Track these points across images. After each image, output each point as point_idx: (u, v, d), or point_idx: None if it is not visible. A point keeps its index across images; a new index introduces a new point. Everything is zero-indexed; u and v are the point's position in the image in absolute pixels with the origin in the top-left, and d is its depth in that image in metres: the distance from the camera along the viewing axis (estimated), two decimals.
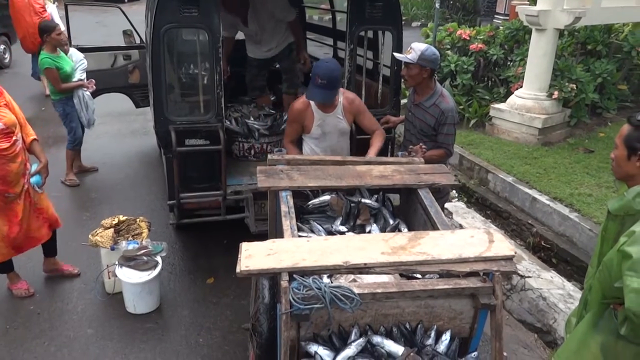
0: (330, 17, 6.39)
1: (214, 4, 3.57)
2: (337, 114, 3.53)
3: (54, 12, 8.64)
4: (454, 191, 5.71)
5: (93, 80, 5.49)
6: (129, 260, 3.66)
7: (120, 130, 7.54)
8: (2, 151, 3.37)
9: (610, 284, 1.97)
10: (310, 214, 2.89)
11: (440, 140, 3.53)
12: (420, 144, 3.42)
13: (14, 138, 3.42)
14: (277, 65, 5.50)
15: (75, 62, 5.41)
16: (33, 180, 3.66)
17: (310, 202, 2.87)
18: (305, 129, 3.60)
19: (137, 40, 6.31)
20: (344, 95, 3.55)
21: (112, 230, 3.88)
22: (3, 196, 3.48)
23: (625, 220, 2.01)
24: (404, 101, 7.45)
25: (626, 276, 1.83)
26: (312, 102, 3.49)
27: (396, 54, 3.63)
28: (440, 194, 3.68)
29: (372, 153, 3.50)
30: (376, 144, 3.59)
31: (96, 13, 15.67)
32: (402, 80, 3.67)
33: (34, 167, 3.71)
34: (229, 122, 4.47)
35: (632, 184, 2.00)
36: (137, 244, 3.79)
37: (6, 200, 3.50)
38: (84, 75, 5.46)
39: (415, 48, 3.40)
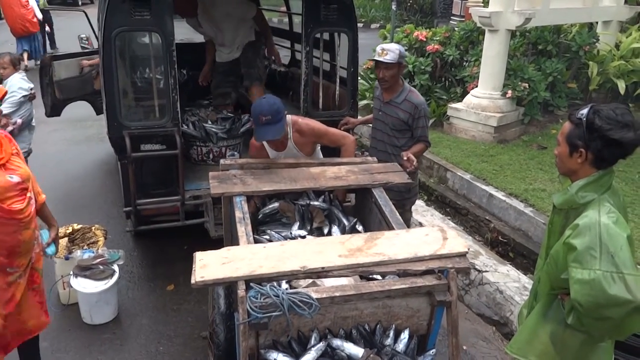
0: (287, 19, 6.39)
1: (167, 6, 3.51)
2: (290, 150, 3.26)
3: (34, 6, 10.96)
4: None
5: (17, 121, 4.53)
6: (85, 270, 3.56)
7: (75, 137, 7.34)
8: (16, 214, 2.53)
9: (557, 276, 2.04)
10: (265, 224, 2.87)
11: (418, 134, 3.60)
12: (408, 153, 3.34)
13: (28, 195, 2.63)
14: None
15: (8, 92, 4.51)
16: (50, 251, 2.98)
17: (260, 212, 2.85)
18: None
19: (95, 45, 6.13)
20: (294, 128, 3.20)
21: (66, 239, 3.78)
22: (3, 272, 2.60)
23: (570, 213, 2.08)
24: (363, 102, 7.54)
25: (571, 268, 1.90)
26: (264, 143, 3.25)
27: (377, 58, 3.45)
28: (410, 193, 3.74)
29: None
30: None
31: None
32: (380, 83, 3.56)
33: (44, 234, 2.98)
34: (186, 126, 4.41)
35: (575, 178, 2.07)
36: (93, 252, 3.70)
37: (5, 279, 2.62)
38: (10, 110, 4.47)
39: (391, 48, 3.44)
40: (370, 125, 6.47)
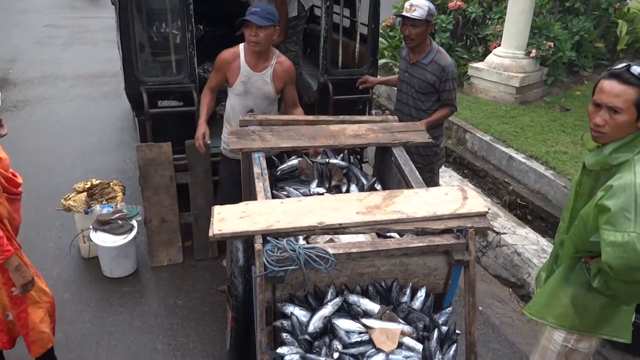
0: None
1: None
2: (266, 75, 3.25)
3: None
4: None
5: None
6: (104, 224, 3.61)
7: (91, 93, 7.33)
8: (18, 186, 2.38)
9: (585, 238, 1.98)
10: (283, 180, 2.85)
11: (444, 98, 3.49)
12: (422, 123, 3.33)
13: None
14: None
15: None
16: None
17: (279, 168, 2.83)
18: (229, 82, 3.31)
19: None
20: (278, 60, 3.27)
21: (85, 194, 3.82)
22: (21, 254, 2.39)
23: (600, 175, 2.01)
24: (382, 61, 7.37)
25: (603, 230, 1.84)
26: (242, 56, 3.22)
27: (404, 13, 3.33)
28: (437, 157, 3.70)
29: None
30: None
31: None
32: (405, 41, 3.48)
33: None
34: None
35: (612, 141, 1.97)
36: (112, 207, 3.74)
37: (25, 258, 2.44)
38: None
39: (419, 4, 3.28)
40: (390, 86, 6.39)
